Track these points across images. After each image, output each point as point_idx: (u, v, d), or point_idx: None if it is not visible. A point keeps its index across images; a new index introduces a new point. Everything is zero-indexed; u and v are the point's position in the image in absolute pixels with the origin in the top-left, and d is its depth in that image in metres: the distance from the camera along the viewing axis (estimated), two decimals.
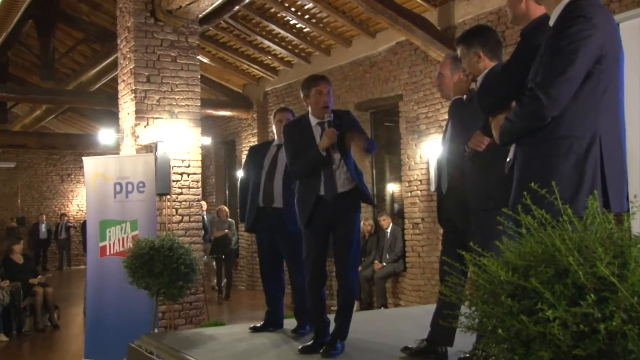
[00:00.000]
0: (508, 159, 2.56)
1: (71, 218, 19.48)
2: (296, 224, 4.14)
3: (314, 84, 4.03)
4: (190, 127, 7.69)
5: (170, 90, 7.60)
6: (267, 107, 12.60)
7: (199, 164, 7.84)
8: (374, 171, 10.53)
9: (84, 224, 17.25)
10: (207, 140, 13.34)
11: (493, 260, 1.56)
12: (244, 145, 12.96)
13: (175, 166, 7.54)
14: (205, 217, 12.19)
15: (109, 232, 6.82)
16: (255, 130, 12.75)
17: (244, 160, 13.02)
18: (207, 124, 13.96)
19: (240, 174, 13.02)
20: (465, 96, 3.41)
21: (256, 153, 4.86)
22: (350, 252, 3.93)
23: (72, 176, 19.83)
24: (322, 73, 10.98)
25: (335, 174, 3.94)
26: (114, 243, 6.79)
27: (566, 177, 2.25)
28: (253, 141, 12.51)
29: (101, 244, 6.81)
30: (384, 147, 10.68)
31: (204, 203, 12.96)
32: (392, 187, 10.84)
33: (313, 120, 4.05)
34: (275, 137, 4.78)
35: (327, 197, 3.91)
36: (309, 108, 4.07)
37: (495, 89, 2.70)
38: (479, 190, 3.15)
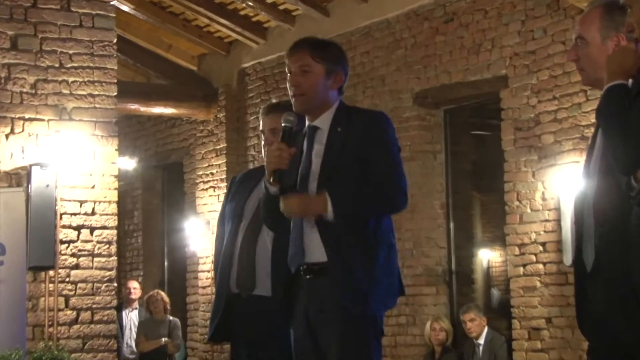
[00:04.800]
0: None
1: None
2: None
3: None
4: (97, 138, 7.72)
5: (58, 65, 7.69)
6: (244, 99, 12.67)
7: (114, 208, 7.86)
8: (451, 224, 10.48)
9: None
10: (130, 164, 13.40)
11: None
12: (201, 172, 13.02)
13: (66, 213, 7.58)
14: (125, 314, 12.12)
15: None
16: (223, 144, 12.79)
17: (199, 201, 13.12)
18: (132, 131, 14.00)
19: (197, 225, 12.98)
20: (631, 80, 3.37)
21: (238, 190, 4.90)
22: None
23: None
24: (348, 34, 11.03)
25: (306, 226, 4.14)
26: None
27: None
28: (217, 164, 12.60)
29: None
30: (470, 178, 10.65)
31: (135, 284, 12.84)
32: (486, 256, 10.80)
33: None
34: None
35: (292, 265, 4.23)
36: None
37: None
38: None
